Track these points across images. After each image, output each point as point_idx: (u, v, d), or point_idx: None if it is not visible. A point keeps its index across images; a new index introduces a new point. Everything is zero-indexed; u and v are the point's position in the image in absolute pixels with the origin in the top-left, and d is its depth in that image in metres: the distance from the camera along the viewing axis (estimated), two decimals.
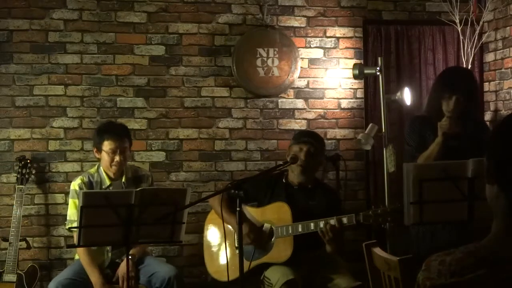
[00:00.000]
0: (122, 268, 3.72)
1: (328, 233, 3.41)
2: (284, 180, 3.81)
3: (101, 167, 3.90)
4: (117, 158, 3.80)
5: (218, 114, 4.78)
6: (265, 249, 3.66)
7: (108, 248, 3.86)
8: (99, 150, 3.84)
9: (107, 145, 3.80)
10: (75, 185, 3.86)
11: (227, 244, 3.44)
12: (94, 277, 3.71)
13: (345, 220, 3.43)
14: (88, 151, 4.56)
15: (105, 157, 3.81)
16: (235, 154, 4.80)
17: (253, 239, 3.61)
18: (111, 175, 3.87)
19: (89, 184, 3.85)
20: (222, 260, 3.70)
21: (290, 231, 3.57)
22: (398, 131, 4.79)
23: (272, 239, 3.66)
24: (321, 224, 3.44)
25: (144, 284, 3.80)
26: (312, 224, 3.50)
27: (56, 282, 3.70)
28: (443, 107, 3.77)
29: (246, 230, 3.57)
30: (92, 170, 3.95)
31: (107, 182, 3.87)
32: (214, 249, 3.87)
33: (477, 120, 3.99)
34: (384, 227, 3.48)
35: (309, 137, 3.77)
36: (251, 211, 3.77)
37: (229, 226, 3.70)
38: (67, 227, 3.98)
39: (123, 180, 3.89)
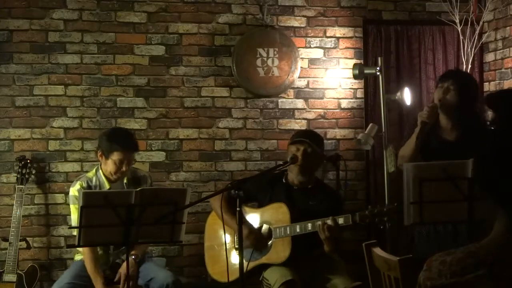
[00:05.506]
0: (123, 267, 3.70)
1: (325, 233, 3.40)
2: (284, 180, 3.80)
3: (100, 170, 3.86)
4: (123, 168, 3.78)
5: (218, 114, 4.78)
6: (264, 251, 3.66)
7: (111, 249, 3.86)
8: (106, 157, 3.80)
9: (116, 156, 3.76)
10: (74, 190, 3.81)
11: (227, 245, 3.42)
12: (98, 285, 3.70)
13: (341, 220, 3.42)
14: (88, 151, 4.56)
15: (110, 165, 3.78)
16: (235, 154, 4.80)
17: (252, 241, 3.61)
18: (112, 178, 3.85)
19: (88, 189, 3.79)
20: (223, 261, 3.69)
21: (288, 232, 3.56)
22: (398, 131, 4.79)
23: (271, 240, 3.66)
24: (319, 224, 3.44)
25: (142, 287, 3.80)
26: (309, 225, 3.49)
27: (58, 287, 3.69)
28: (435, 97, 3.75)
29: (245, 233, 3.54)
30: (90, 174, 3.89)
31: (107, 185, 3.83)
32: (215, 250, 3.86)
33: (480, 126, 3.69)
34: (383, 228, 3.47)
35: (305, 137, 3.73)
36: (250, 212, 3.77)
37: (230, 228, 3.70)
38: (72, 232, 3.97)
39: (125, 181, 3.87)
